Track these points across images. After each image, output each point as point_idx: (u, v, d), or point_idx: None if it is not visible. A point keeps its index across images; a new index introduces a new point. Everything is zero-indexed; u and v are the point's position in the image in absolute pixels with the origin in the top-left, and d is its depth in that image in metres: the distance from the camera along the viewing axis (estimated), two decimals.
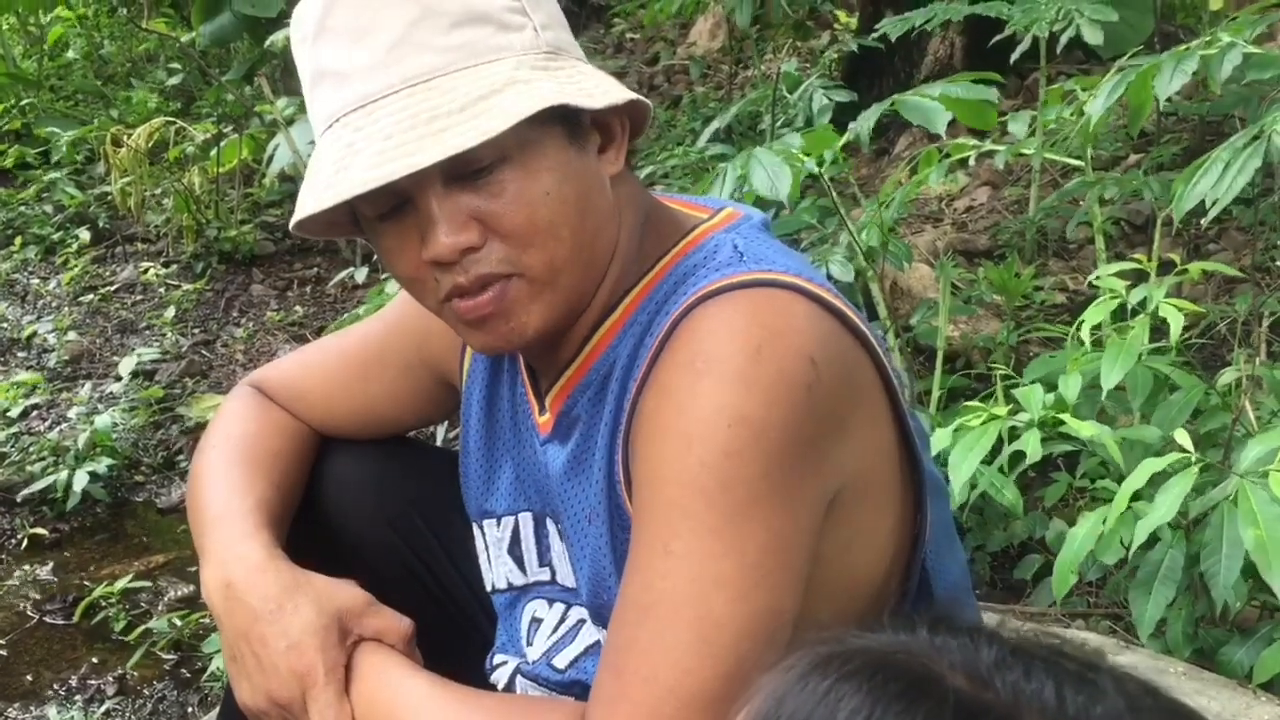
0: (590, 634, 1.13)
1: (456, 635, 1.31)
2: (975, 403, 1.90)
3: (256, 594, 1.07)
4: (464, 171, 0.93)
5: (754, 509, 0.89)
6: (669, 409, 0.92)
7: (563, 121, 0.95)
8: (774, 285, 0.95)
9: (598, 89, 0.97)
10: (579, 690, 1.11)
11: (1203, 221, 2.02)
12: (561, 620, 1.16)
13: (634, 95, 1.00)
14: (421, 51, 0.94)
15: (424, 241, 0.96)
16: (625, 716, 0.87)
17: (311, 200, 0.93)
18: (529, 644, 1.18)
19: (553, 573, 1.18)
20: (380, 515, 1.31)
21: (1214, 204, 1.74)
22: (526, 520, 1.18)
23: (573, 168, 0.97)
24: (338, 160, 0.93)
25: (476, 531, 1.24)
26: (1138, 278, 2.10)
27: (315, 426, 1.32)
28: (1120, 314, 1.95)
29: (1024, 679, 0.46)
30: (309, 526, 1.28)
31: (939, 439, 1.77)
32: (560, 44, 1.00)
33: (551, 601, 1.18)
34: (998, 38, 2.64)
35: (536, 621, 1.19)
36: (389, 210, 0.96)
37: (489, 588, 1.24)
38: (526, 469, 1.16)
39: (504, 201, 0.94)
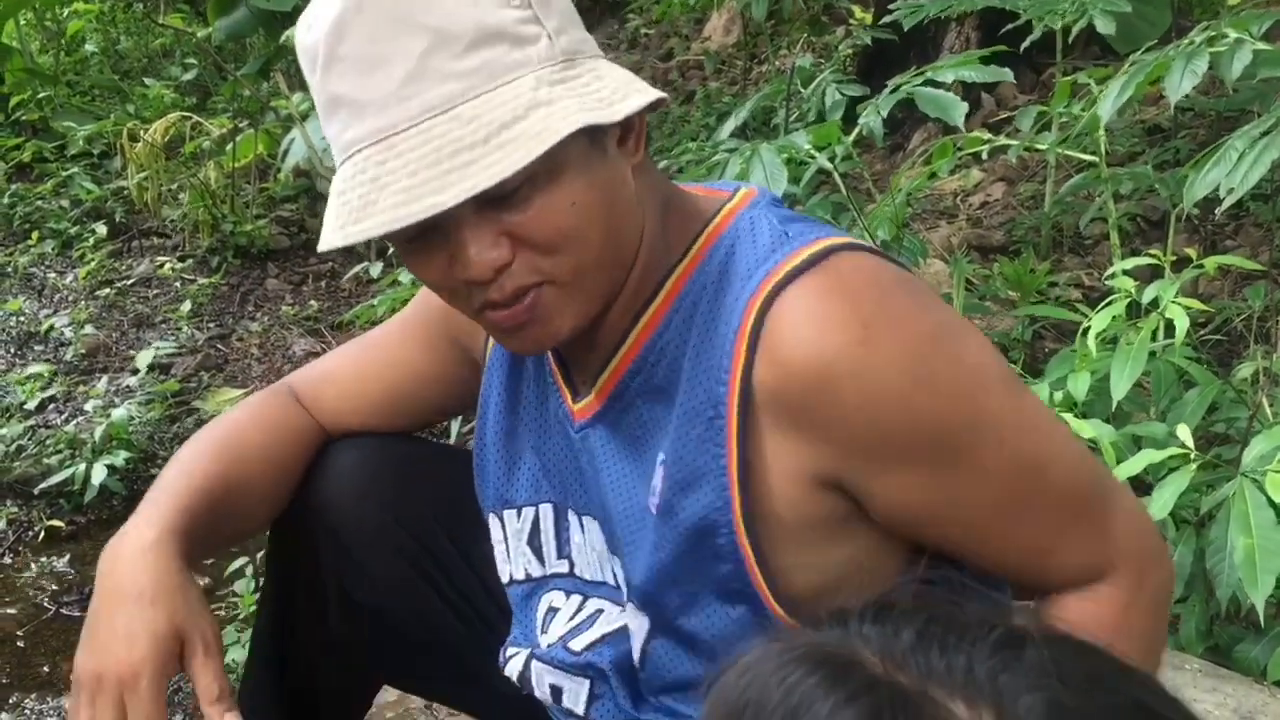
0: (608, 622, 1.14)
1: (469, 634, 1.31)
2: None
3: (130, 575, 1.10)
4: (491, 197, 0.93)
5: (998, 385, 0.98)
6: (876, 386, 0.94)
7: (584, 131, 0.94)
8: (839, 250, 0.98)
9: (617, 93, 0.97)
10: (593, 672, 1.14)
11: (1217, 212, 2.01)
12: (579, 609, 1.17)
13: (654, 94, 1.00)
14: (438, 80, 0.93)
15: (455, 262, 0.96)
16: (1136, 546, 1.02)
17: (339, 234, 0.93)
18: (543, 631, 1.19)
19: (571, 565, 1.18)
20: (389, 513, 1.30)
21: (1229, 193, 1.72)
22: (547, 511, 1.19)
23: (596, 172, 0.97)
24: (363, 194, 0.93)
25: (494, 522, 1.24)
26: (1154, 273, 2.09)
27: (339, 416, 1.31)
28: (1135, 310, 1.94)
29: (938, 657, 0.49)
30: (313, 524, 1.28)
31: None
32: (576, 46, 0.99)
33: (569, 593, 1.19)
34: (1008, 26, 2.64)
35: (553, 610, 1.19)
36: (417, 235, 0.96)
37: (505, 579, 1.24)
38: (552, 459, 1.17)
39: (531, 216, 0.95)
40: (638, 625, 1.10)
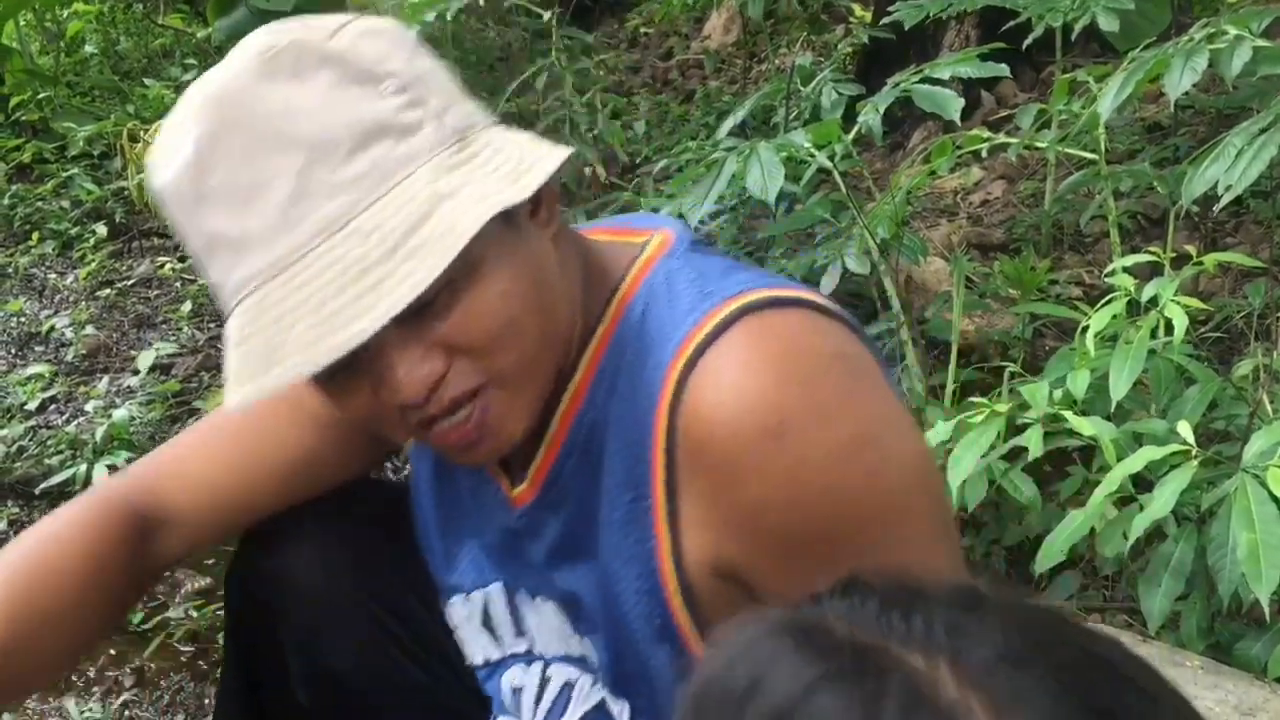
0: (583, 697, 1.08)
1: (450, 694, 1.24)
2: (981, 399, 1.89)
3: None
4: (411, 310, 0.83)
5: (904, 503, 0.91)
6: (780, 488, 0.87)
7: (496, 215, 0.86)
8: (756, 308, 0.91)
9: (522, 165, 0.89)
10: None
11: (1215, 208, 2.00)
12: (543, 683, 1.11)
13: (560, 154, 0.91)
14: (325, 195, 0.83)
15: (383, 387, 0.88)
16: None
17: (251, 387, 0.84)
18: (517, 713, 1.13)
19: (531, 643, 1.12)
20: (363, 586, 1.20)
21: (1227, 189, 1.72)
22: (496, 592, 1.12)
23: (517, 255, 0.90)
24: (267, 339, 0.84)
25: (448, 610, 1.17)
26: (1154, 271, 2.09)
27: (208, 528, 1.17)
28: (1135, 307, 1.94)
29: (899, 620, 0.52)
30: (271, 596, 1.19)
31: (940, 431, 1.76)
32: (465, 121, 0.91)
33: (527, 664, 1.12)
34: (1008, 25, 2.64)
35: (516, 691, 1.13)
36: (336, 369, 0.85)
37: (469, 663, 1.18)
38: (494, 543, 1.10)
39: (458, 320, 0.87)
40: (619, 709, 1.05)
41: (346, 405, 0.92)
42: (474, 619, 1.15)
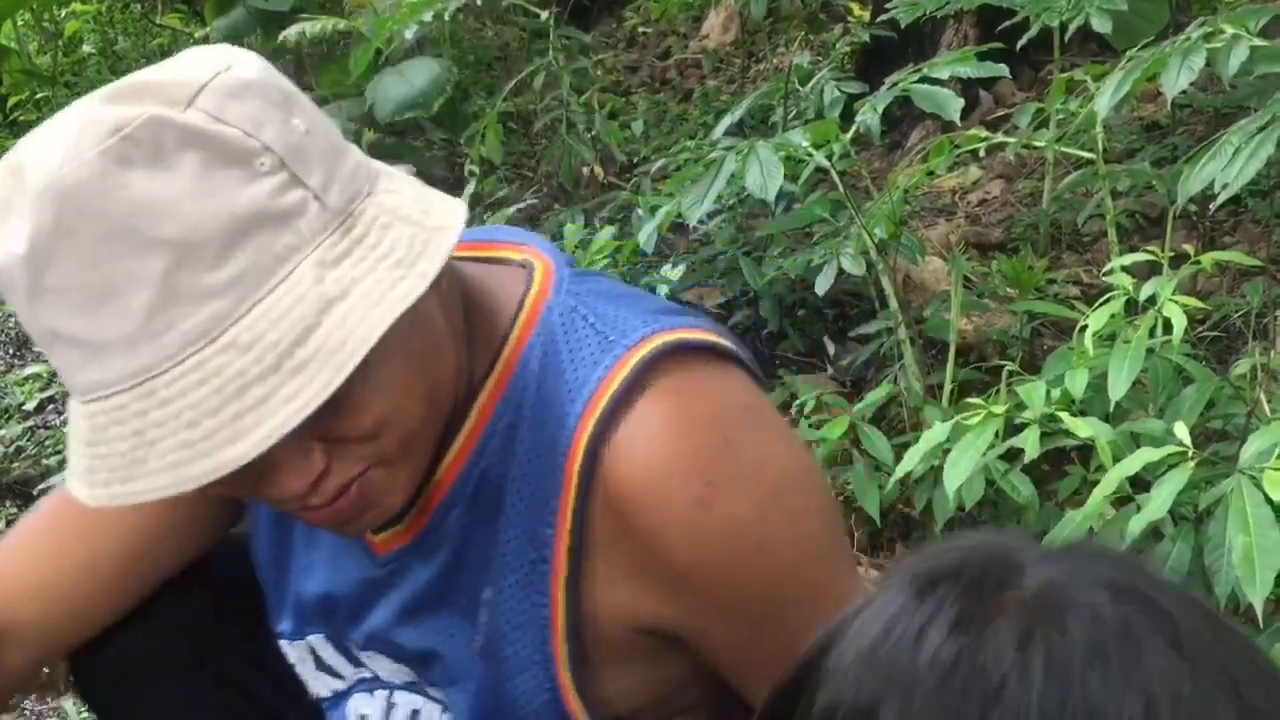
0: None
1: None
2: (977, 400, 1.89)
3: None
4: None
5: (825, 542, 0.94)
6: (713, 550, 0.88)
7: None
8: (662, 356, 0.89)
9: (415, 243, 0.80)
10: None
11: (1213, 207, 2.00)
12: (388, 708, 1.08)
13: (454, 219, 0.84)
14: (194, 301, 0.74)
15: (262, 483, 0.83)
16: None
17: (105, 493, 0.76)
18: None
19: (374, 671, 1.09)
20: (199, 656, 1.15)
21: (1224, 188, 1.72)
22: (319, 641, 1.09)
23: (405, 337, 0.82)
24: (126, 450, 0.75)
25: (281, 647, 1.13)
26: (1152, 270, 2.09)
27: (36, 622, 1.06)
28: (1132, 307, 1.94)
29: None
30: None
31: (937, 433, 1.76)
32: (350, 192, 0.81)
33: (372, 690, 1.09)
34: (1005, 25, 2.64)
35: (363, 719, 1.10)
36: None
37: (314, 697, 1.14)
38: (338, 590, 1.05)
39: (346, 416, 0.82)
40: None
41: (213, 490, 0.81)
42: (306, 662, 1.11)
